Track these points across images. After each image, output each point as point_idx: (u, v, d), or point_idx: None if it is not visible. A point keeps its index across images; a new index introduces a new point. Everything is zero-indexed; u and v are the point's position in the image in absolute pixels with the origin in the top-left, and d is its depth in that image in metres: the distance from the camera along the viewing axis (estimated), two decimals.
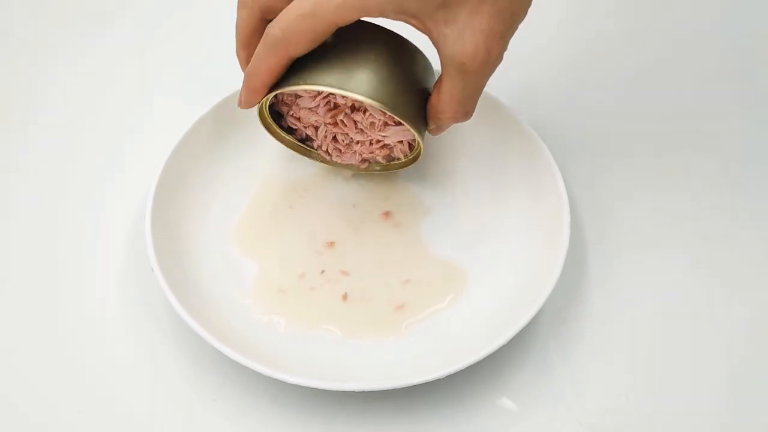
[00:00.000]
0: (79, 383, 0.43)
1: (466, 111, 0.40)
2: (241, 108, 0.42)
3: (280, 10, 0.38)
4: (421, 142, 0.42)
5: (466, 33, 0.36)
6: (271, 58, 0.39)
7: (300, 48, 0.38)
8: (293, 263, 0.46)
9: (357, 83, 0.39)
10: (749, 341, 0.45)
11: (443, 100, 0.39)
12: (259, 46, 0.39)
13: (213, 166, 0.49)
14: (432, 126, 0.42)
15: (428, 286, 0.46)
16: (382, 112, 0.42)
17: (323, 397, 0.42)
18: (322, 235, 0.48)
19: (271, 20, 0.39)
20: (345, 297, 0.45)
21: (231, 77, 0.45)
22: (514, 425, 0.42)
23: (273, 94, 0.40)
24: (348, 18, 0.36)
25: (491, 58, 0.37)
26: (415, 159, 0.46)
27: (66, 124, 0.54)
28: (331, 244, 0.47)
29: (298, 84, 0.39)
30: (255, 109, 0.44)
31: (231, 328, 0.43)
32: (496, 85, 0.49)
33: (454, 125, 0.43)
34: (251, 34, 0.40)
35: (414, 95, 0.41)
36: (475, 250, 0.47)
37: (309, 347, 0.43)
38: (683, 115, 0.55)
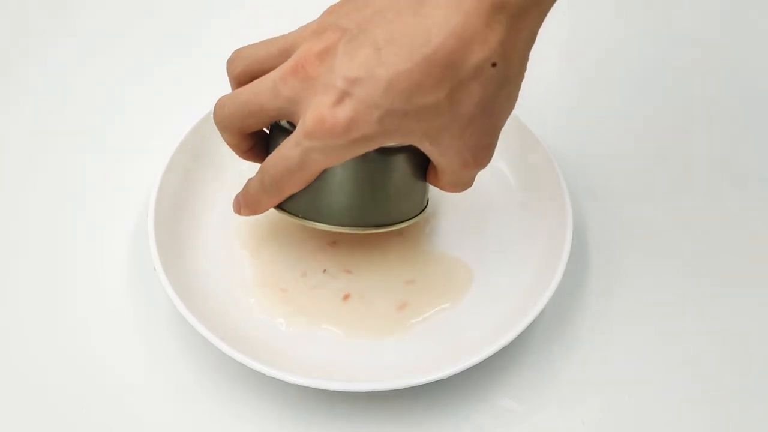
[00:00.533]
0: (80, 381, 0.43)
1: (465, 189, 0.40)
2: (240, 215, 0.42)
3: (258, 126, 0.38)
4: (419, 216, 0.43)
5: (451, 152, 0.36)
6: (269, 199, 0.40)
7: (294, 190, 0.38)
8: (295, 262, 0.46)
9: (357, 216, 0.41)
10: (751, 343, 0.45)
11: (441, 185, 0.40)
12: (256, 184, 0.39)
13: (216, 165, 0.49)
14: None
15: (431, 287, 0.46)
16: None
17: (324, 397, 0.42)
18: (325, 233, 0.47)
19: (254, 132, 0.40)
20: (347, 296, 0.45)
21: None
22: (516, 425, 0.42)
23: (284, 215, 0.42)
24: (335, 163, 0.36)
25: (481, 165, 0.37)
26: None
27: (68, 122, 0.54)
28: (334, 242, 0.47)
29: (296, 217, 0.41)
30: None
31: (233, 327, 0.43)
32: None
33: None
34: (238, 144, 0.41)
35: (404, 192, 0.41)
36: (477, 251, 0.47)
37: (310, 347, 0.43)
38: (687, 118, 0.55)
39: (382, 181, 0.40)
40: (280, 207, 0.42)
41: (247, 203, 0.41)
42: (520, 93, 0.36)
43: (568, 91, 0.56)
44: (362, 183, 0.40)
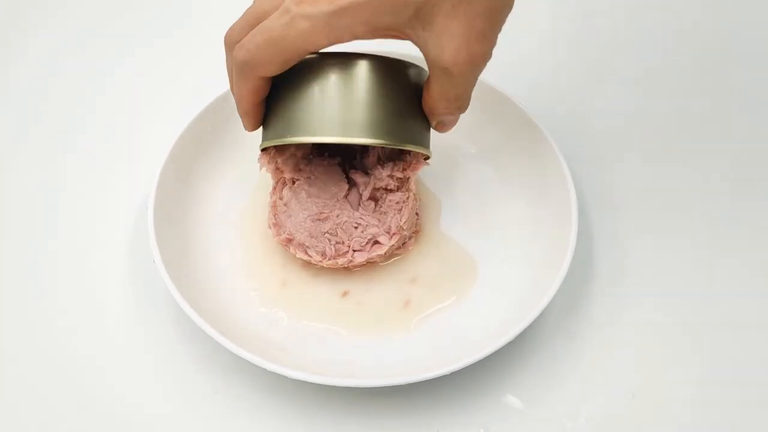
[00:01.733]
0: (81, 374, 0.43)
1: (458, 106, 0.39)
2: (248, 131, 0.41)
3: (281, 56, 0.36)
4: (427, 152, 0.42)
5: (444, 37, 0.35)
6: (244, 82, 0.38)
7: (270, 71, 0.37)
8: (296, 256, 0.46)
9: (355, 127, 0.38)
10: (756, 340, 0.45)
11: (434, 99, 0.39)
12: (233, 69, 0.38)
13: (216, 157, 0.49)
14: (433, 123, 0.41)
15: (435, 283, 0.45)
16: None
17: (325, 393, 0.42)
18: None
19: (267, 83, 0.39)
20: (349, 292, 0.45)
21: None
22: (519, 422, 0.42)
23: (276, 143, 0.40)
24: (318, 43, 0.35)
25: (474, 59, 0.36)
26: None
27: (70, 117, 0.54)
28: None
29: (296, 136, 0.39)
30: None
31: (233, 320, 0.42)
32: (504, 81, 0.49)
33: (458, 125, 0.42)
34: (257, 91, 0.39)
35: (410, 111, 0.40)
36: (482, 247, 0.47)
37: (312, 342, 0.43)
38: (692, 110, 0.55)
39: (368, 83, 0.38)
40: (267, 140, 0.40)
41: (235, 99, 0.39)
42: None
43: (574, 84, 0.56)
44: (348, 85, 0.38)
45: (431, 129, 0.42)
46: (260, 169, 0.44)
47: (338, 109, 0.38)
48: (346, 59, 0.38)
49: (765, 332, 0.45)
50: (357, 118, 0.38)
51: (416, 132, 0.41)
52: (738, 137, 0.53)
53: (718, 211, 0.50)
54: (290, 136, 0.39)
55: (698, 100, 0.56)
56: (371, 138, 0.38)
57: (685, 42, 0.59)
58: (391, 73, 0.39)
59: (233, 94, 0.40)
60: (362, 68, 0.38)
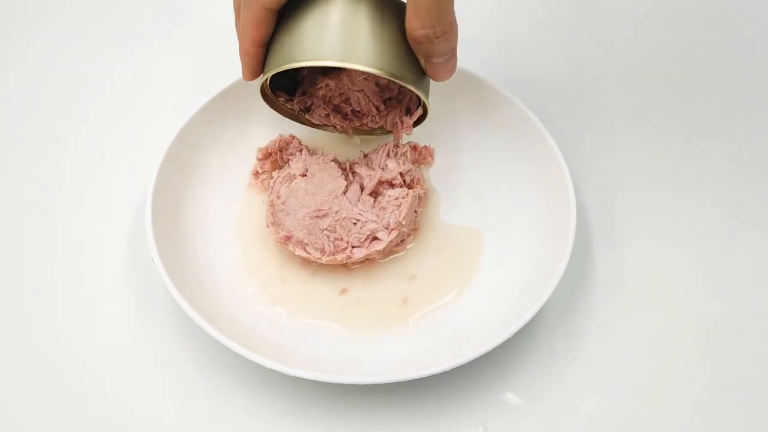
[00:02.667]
0: (80, 372, 0.43)
1: (431, 24, 0.37)
2: (246, 79, 0.41)
3: None
4: (424, 97, 0.41)
5: None
6: (247, 13, 0.39)
7: (271, 0, 0.38)
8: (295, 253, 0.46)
9: (356, 54, 0.38)
10: (756, 336, 0.45)
11: (409, 20, 0.38)
12: (241, 6, 0.39)
13: (213, 156, 0.49)
14: (422, 61, 0.40)
15: (433, 281, 0.45)
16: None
17: (324, 390, 0.42)
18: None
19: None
20: (348, 290, 0.45)
21: (231, 68, 0.45)
22: (518, 419, 0.42)
23: (276, 71, 0.40)
24: None
25: None
26: (423, 114, 0.45)
27: (67, 115, 0.54)
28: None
29: (296, 61, 0.39)
30: (257, 93, 0.44)
31: (232, 318, 0.42)
32: (504, 75, 0.49)
33: (458, 124, 0.41)
34: (264, 21, 0.39)
35: (410, 55, 0.40)
36: (480, 245, 0.47)
37: (311, 339, 0.42)
38: (692, 108, 0.55)
39: (370, 18, 0.38)
40: (267, 71, 0.40)
41: (238, 38, 0.40)
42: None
43: (573, 79, 0.56)
44: (350, 18, 0.38)
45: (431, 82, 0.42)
46: (257, 153, 0.46)
47: (340, 38, 0.38)
48: None
49: (765, 329, 0.45)
50: (359, 47, 0.38)
51: (415, 76, 0.40)
52: (739, 134, 0.53)
53: (718, 208, 0.50)
54: (290, 63, 0.39)
55: (699, 97, 0.56)
56: (371, 67, 0.38)
57: (686, 39, 0.59)
58: (393, 12, 0.39)
59: (238, 37, 0.40)
60: (365, 5, 0.38)
